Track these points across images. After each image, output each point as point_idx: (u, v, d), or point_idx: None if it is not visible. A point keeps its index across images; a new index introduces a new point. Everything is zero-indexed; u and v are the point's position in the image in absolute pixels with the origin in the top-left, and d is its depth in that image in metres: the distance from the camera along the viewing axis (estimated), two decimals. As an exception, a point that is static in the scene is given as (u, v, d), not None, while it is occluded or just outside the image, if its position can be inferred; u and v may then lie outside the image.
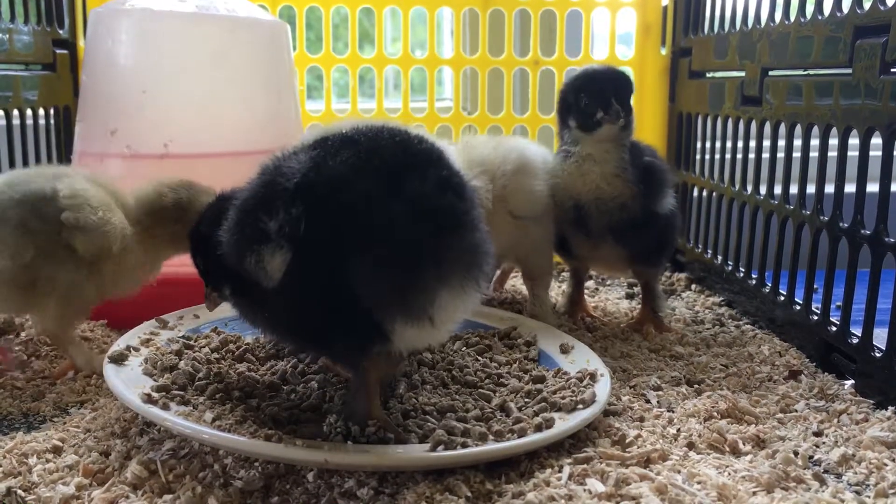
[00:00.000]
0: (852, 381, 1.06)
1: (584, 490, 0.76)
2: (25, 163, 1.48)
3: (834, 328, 1.12)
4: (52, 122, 1.55)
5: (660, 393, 1.03)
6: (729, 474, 0.80)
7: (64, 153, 1.58)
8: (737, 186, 1.44)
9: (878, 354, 1.02)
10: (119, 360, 0.97)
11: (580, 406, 0.90)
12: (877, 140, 1.03)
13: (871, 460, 0.84)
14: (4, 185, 1.04)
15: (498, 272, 1.49)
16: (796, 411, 0.98)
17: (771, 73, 1.32)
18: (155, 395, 0.87)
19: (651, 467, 0.82)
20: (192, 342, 1.05)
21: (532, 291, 1.32)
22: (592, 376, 0.98)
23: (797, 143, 1.24)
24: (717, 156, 1.54)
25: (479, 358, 1.07)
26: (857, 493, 0.79)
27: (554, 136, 1.41)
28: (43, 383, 1.06)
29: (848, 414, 0.96)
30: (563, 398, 0.92)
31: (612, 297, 1.54)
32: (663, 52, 1.75)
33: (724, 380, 1.08)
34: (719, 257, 1.52)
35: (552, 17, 1.73)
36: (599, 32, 1.83)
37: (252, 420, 0.84)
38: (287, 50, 1.42)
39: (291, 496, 0.77)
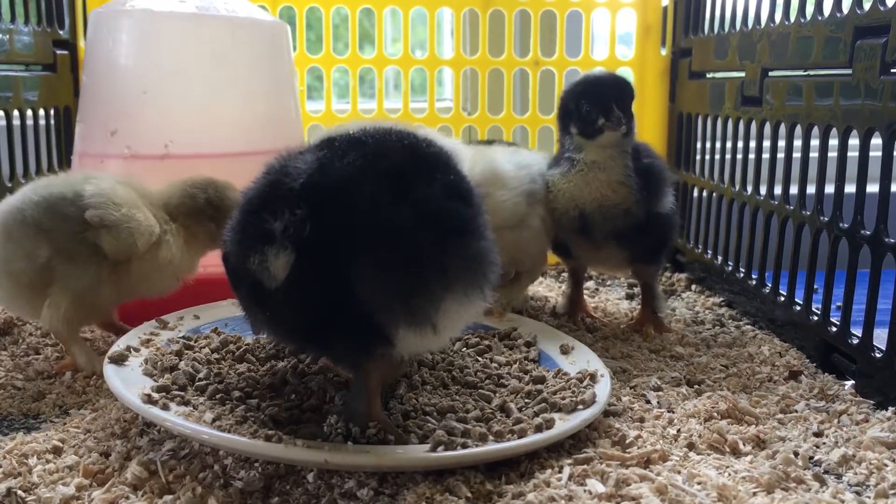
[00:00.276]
0: (852, 382, 1.06)
1: (585, 491, 0.76)
2: (26, 163, 1.48)
3: (834, 329, 1.12)
4: (52, 122, 1.56)
5: (660, 393, 1.03)
6: (729, 475, 0.80)
7: (64, 154, 1.59)
8: (737, 187, 1.44)
9: (878, 355, 1.02)
10: (119, 360, 0.97)
11: (580, 407, 0.90)
12: (877, 140, 1.03)
13: (872, 461, 0.84)
14: (29, 188, 1.08)
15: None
16: (796, 412, 0.98)
17: (771, 73, 1.32)
18: (155, 395, 0.87)
19: (651, 468, 0.82)
20: (192, 342, 1.05)
21: (511, 283, 1.32)
22: (592, 377, 0.98)
23: (797, 143, 1.24)
24: (718, 156, 1.54)
25: (480, 358, 1.07)
26: (858, 493, 0.79)
27: (554, 137, 1.41)
28: (43, 384, 1.06)
29: (848, 414, 0.96)
30: (564, 399, 0.92)
31: (612, 298, 1.54)
32: (663, 52, 1.75)
33: (724, 380, 1.08)
34: (719, 258, 1.52)
35: (552, 17, 1.73)
36: (599, 33, 1.83)
37: (252, 420, 0.84)
38: (287, 50, 1.42)
39: (292, 497, 0.77)
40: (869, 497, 0.78)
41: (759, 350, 1.20)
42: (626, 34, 1.79)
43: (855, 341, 1.07)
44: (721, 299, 1.49)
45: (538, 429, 0.84)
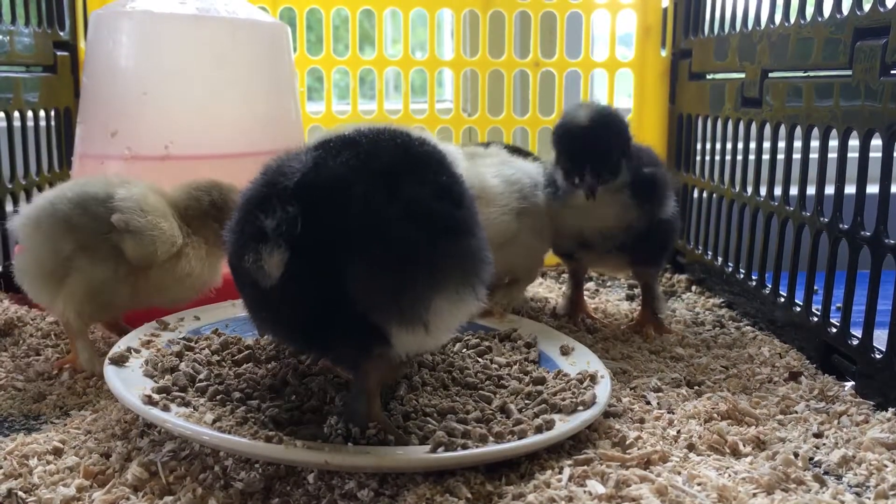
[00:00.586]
0: (852, 383, 1.06)
1: (585, 492, 0.76)
2: (26, 165, 1.48)
3: (834, 329, 1.12)
4: (52, 123, 1.56)
5: (660, 394, 1.03)
6: (729, 476, 0.80)
7: (65, 155, 1.59)
8: (737, 188, 1.44)
9: (878, 356, 1.02)
10: (120, 361, 0.97)
11: (580, 408, 0.90)
12: (877, 141, 1.03)
13: (872, 462, 0.84)
14: (68, 185, 1.11)
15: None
16: (796, 413, 0.98)
17: (771, 74, 1.32)
18: (155, 396, 0.87)
19: (651, 469, 0.82)
20: (192, 344, 1.05)
21: (509, 285, 1.32)
22: (593, 378, 0.98)
23: (797, 144, 1.24)
24: (718, 157, 1.54)
25: (480, 359, 1.07)
26: (858, 494, 0.79)
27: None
28: (44, 385, 1.06)
29: (848, 415, 0.96)
30: (564, 400, 0.92)
31: (612, 299, 1.54)
32: (663, 53, 1.75)
33: (724, 381, 1.08)
34: (719, 259, 1.52)
35: (552, 18, 1.74)
36: (600, 34, 1.83)
37: (253, 421, 0.84)
38: (287, 51, 1.42)
39: (292, 498, 0.77)
40: (869, 498, 0.78)
41: (759, 351, 1.20)
42: (626, 35, 1.79)
43: (855, 342, 1.07)
44: (721, 300, 1.49)
45: (538, 430, 0.84)
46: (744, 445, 0.88)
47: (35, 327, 1.25)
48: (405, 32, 1.72)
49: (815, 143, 1.19)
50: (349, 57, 1.72)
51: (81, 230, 1.05)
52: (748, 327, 1.34)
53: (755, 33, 1.35)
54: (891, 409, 0.96)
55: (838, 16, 1.10)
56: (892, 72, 1.00)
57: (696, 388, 1.06)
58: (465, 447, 0.80)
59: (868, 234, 1.05)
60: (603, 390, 0.94)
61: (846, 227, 1.10)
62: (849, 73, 1.07)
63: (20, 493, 0.77)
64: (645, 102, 1.75)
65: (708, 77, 1.61)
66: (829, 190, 1.15)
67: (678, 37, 1.71)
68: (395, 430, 0.84)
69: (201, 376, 0.95)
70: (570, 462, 0.82)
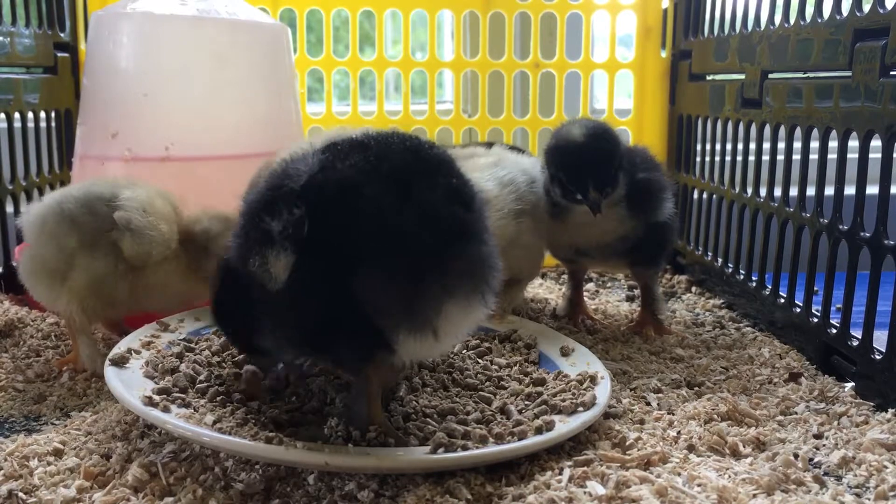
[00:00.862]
0: (852, 384, 1.06)
1: (585, 492, 0.76)
2: (27, 166, 1.48)
3: (834, 330, 1.12)
4: (53, 125, 1.56)
5: (660, 395, 1.03)
6: (729, 476, 0.80)
7: (65, 156, 1.59)
8: (737, 189, 1.44)
9: (878, 357, 1.02)
10: (120, 362, 0.97)
11: (580, 408, 0.90)
12: (876, 142, 1.03)
13: (872, 462, 0.84)
14: (74, 186, 1.15)
15: None
16: (796, 413, 0.98)
17: (771, 75, 1.32)
18: (156, 397, 0.87)
19: (651, 470, 0.82)
20: (193, 345, 1.05)
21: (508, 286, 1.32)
22: (593, 379, 0.98)
23: (797, 145, 1.24)
24: (718, 158, 1.54)
25: (480, 360, 1.07)
26: (858, 495, 0.79)
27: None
28: (44, 386, 1.06)
29: (848, 416, 0.96)
30: (564, 401, 0.92)
31: (612, 300, 1.54)
32: (663, 54, 1.75)
33: (724, 382, 1.08)
34: (719, 259, 1.52)
35: (552, 19, 1.74)
36: (600, 35, 1.83)
37: (253, 423, 0.84)
38: (288, 52, 1.42)
39: (292, 499, 0.77)
40: (869, 499, 0.78)
41: (760, 352, 1.20)
42: (626, 36, 1.80)
43: (855, 343, 1.07)
44: (721, 301, 1.49)
45: (538, 431, 0.84)
46: (744, 446, 0.88)
47: (35, 328, 1.26)
48: (405, 33, 1.72)
49: (814, 144, 1.19)
50: (349, 58, 1.72)
51: (84, 227, 1.08)
52: (748, 328, 1.34)
53: (755, 34, 1.35)
54: (891, 410, 0.96)
55: (838, 17, 1.10)
56: (892, 73, 1.00)
57: (696, 389, 1.06)
58: (465, 448, 0.80)
59: (868, 234, 1.05)
60: (603, 391, 0.94)
61: (846, 227, 1.10)
62: (848, 74, 1.07)
63: (21, 494, 0.77)
64: (645, 103, 1.75)
65: (708, 78, 1.61)
66: (829, 191, 1.15)
67: (678, 38, 1.71)
68: (395, 433, 0.84)
69: (201, 377, 0.95)
70: (570, 463, 0.82)
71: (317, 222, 0.75)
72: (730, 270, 1.47)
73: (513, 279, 1.32)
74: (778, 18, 1.27)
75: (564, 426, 0.86)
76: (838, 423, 0.95)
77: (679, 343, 1.25)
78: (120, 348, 1.00)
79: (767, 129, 1.33)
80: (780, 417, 0.97)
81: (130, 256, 1.08)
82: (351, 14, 1.70)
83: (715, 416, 0.95)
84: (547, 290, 1.58)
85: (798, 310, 1.22)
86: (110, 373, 0.93)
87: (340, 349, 0.81)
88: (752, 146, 1.38)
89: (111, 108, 1.30)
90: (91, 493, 0.78)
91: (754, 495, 0.77)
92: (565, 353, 1.08)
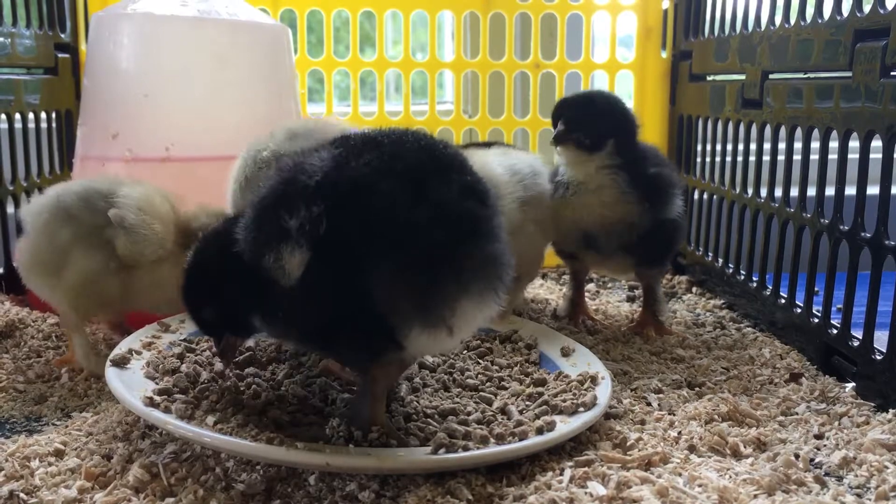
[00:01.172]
0: (853, 384, 1.06)
1: (586, 493, 0.76)
2: (27, 166, 1.48)
3: (835, 331, 1.12)
4: (53, 125, 1.56)
5: (661, 396, 1.03)
6: (730, 477, 0.80)
7: (66, 157, 1.59)
8: (737, 189, 1.44)
9: (878, 357, 1.02)
10: (121, 363, 0.97)
11: (581, 409, 0.90)
12: (877, 143, 1.03)
13: (872, 463, 0.84)
14: (76, 181, 1.14)
15: None
16: (797, 414, 0.98)
17: (771, 76, 1.32)
18: (157, 398, 0.87)
19: (652, 470, 0.82)
20: (193, 345, 1.05)
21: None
22: (593, 379, 0.98)
23: (797, 145, 1.24)
24: (718, 158, 1.54)
25: (480, 361, 1.07)
26: (858, 495, 0.79)
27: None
28: (45, 387, 1.06)
29: (849, 416, 0.96)
30: (565, 401, 0.92)
31: (612, 300, 1.54)
32: (664, 55, 1.75)
33: (725, 382, 1.08)
34: (720, 260, 1.52)
35: (553, 20, 1.74)
36: (600, 35, 1.83)
37: (254, 423, 0.84)
38: (288, 53, 1.42)
39: (293, 499, 0.77)
40: (870, 499, 0.78)
41: (760, 352, 1.20)
42: (626, 37, 1.80)
43: (855, 343, 1.07)
44: (722, 301, 1.49)
45: (539, 431, 0.84)
46: (744, 447, 0.88)
47: (36, 329, 1.26)
48: (406, 34, 1.72)
49: (815, 145, 1.19)
50: (350, 58, 1.72)
51: (79, 221, 1.08)
52: (749, 329, 1.34)
53: (755, 35, 1.35)
54: (891, 411, 0.96)
55: (838, 17, 1.10)
56: (893, 73, 1.00)
57: (697, 389, 1.06)
58: (466, 448, 0.80)
59: (868, 235, 1.05)
60: (604, 392, 0.94)
61: (846, 228, 1.10)
62: (849, 74, 1.07)
63: (22, 494, 0.77)
64: (645, 104, 1.75)
65: (708, 78, 1.62)
66: (830, 191, 1.15)
67: (678, 38, 1.71)
68: (396, 433, 0.84)
69: (203, 378, 0.95)
70: (571, 463, 0.82)
71: (332, 219, 0.75)
72: (730, 271, 1.47)
73: (514, 276, 1.32)
74: (778, 19, 1.27)
75: (565, 426, 0.86)
76: (839, 424, 0.95)
77: (680, 343, 1.25)
78: (121, 349, 1.00)
79: (768, 130, 1.33)
80: (780, 418, 0.97)
81: (124, 255, 1.08)
82: (351, 15, 1.70)
83: (716, 417, 0.95)
84: (547, 291, 1.58)
85: (799, 310, 1.22)
86: (111, 373, 0.93)
87: (349, 347, 0.81)
88: (753, 146, 1.38)
89: (112, 108, 1.30)
90: (92, 494, 0.78)
91: (755, 496, 0.77)
92: (566, 353, 1.08)
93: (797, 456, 0.85)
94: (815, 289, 1.19)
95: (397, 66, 1.73)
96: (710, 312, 1.45)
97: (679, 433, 0.91)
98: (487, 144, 1.40)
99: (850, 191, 1.09)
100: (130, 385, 0.90)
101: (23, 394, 1.04)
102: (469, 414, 0.90)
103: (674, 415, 0.97)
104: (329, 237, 0.75)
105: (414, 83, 1.78)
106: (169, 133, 1.28)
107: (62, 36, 1.57)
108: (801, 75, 1.23)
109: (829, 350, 1.13)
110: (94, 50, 1.33)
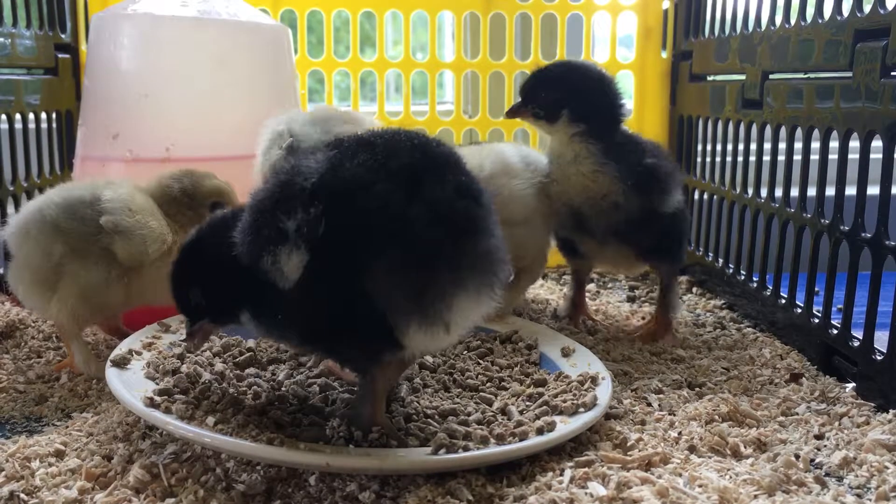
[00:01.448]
0: (853, 384, 1.06)
1: (586, 493, 0.76)
2: (28, 167, 1.48)
3: (835, 331, 1.12)
4: (54, 126, 1.56)
5: (661, 396, 1.03)
6: (730, 477, 0.80)
7: (66, 157, 1.59)
8: (738, 189, 1.44)
9: (879, 357, 1.02)
10: (121, 363, 0.97)
11: (581, 409, 0.90)
12: (877, 143, 1.03)
13: (873, 463, 0.84)
14: (55, 191, 1.10)
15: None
16: (797, 414, 0.98)
17: (771, 76, 1.32)
18: (157, 398, 0.87)
19: (652, 470, 0.82)
20: (194, 346, 1.05)
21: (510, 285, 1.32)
22: (594, 379, 0.98)
23: (798, 146, 1.24)
24: (718, 159, 1.54)
25: (481, 361, 1.07)
26: (859, 496, 0.79)
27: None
28: (45, 387, 1.06)
29: (849, 417, 0.96)
30: (565, 401, 0.92)
31: (613, 300, 1.54)
32: (664, 55, 1.75)
33: (725, 383, 1.08)
34: (720, 260, 1.52)
35: (553, 20, 1.74)
36: (600, 36, 1.83)
37: (254, 424, 0.84)
38: (288, 53, 1.42)
39: (293, 500, 0.77)
40: (870, 499, 0.78)
41: (760, 353, 1.20)
42: (626, 37, 1.80)
43: (856, 344, 1.07)
44: (722, 302, 1.49)
45: (539, 431, 0.84)
46: (745, 447, 0.88)
47: (36, 329, 1.26)
48: (406, 34, 1.72)
49: (815, 145, 1.19)
50: (350, 59, 1.72)
51: (70, 234, 1.05)
52: (749, 329, 1.34)
53: (756, 35, 1.35)
54: (892, 411, 0.96)
55: (839, 17, 1.10)
56: (893, 73, 1.00)
57: (697, 389, 1.06)
58: (466, 449, 0.80)
59: (869, 235, 1.05)
60: (604, 392, 0.94)
61: (847, 228, 1.10)
62: (849, 74, 1.07)
63: (22, 495, 0.77)
64: (645, 104, 1.76)
65: (708, 79, 1.61)
66: (830, 191, 1.15)
67: (679, 38, 1.71)
68: (397, 433, 0.84)
69: (203, 378, 0.95)
70: (571, 464, 0.82)
71: (329, 220, 0.76)
72: (731, 271, 1.47)
73: (514, 275, 1.32)
74: (778, 19, 1.27)
75: (565, 427, 0.86)
76: (839, 424, 0.95)
77: (680, 344, 1.25)
78: (121, 349, 1.00)
79: (768, 130, 1.33)
80: (781, 418, 0.97)
81: (125, 259, 1.06)
82: (351, 15, 1.70)
83: (716, 417, 0.95)
84: (548, 291, 1.58)
85: (799, 310, 1.22)
86: (111, 374, 0.93)
87: (348, 347, 0.81)
88: (753, 147, 1.38)
89: (112, 109, 1.30)
90: (93, 494, 0.78)
91: (755, 496, 0.77)
92: (566, 353, 1.08)
93: (797, 456, 0.85)
94: (816, 289, 1.19)
95: (397, 67, 1.73)
96: (710, 313, 1.45)
97: (679, 433, 0.91)
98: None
99: (851, 191, 1.09)
100: (131, 385, 0.90)
101: (23, 394, 1.04)
102: (469, 414, 0.91)
103: (674, 415, 0.97)
104: (326, 238, 0.75)
105: (414, 83, 1.78)
106: (169, 133, 1.28)
107: (62, 36, 1.57)
108: (801, 75, 1.23)
109: (829, 350, 1.13)
110: (95, 50, 1.33)
